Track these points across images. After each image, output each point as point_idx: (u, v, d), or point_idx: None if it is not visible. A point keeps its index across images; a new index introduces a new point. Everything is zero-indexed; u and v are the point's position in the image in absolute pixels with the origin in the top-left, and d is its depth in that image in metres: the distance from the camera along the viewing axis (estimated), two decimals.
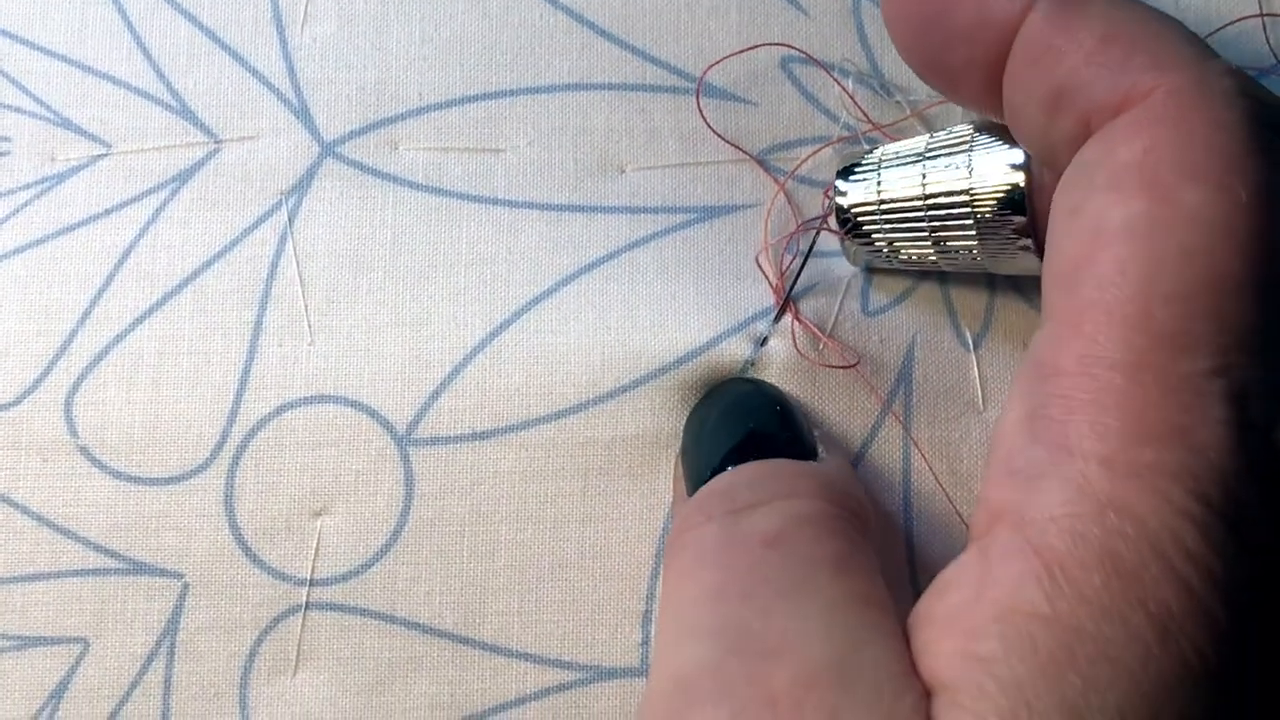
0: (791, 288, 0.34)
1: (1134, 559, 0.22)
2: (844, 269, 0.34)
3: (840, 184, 0.33)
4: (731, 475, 0.30)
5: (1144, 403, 0.23)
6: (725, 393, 0.33)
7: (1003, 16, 0.28)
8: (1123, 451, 0.23)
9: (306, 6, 0.36)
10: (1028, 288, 0.34)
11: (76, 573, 0.33)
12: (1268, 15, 0.35)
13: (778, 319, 0.34)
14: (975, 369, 0.34)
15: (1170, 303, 0.23)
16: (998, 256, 0.31)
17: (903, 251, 0.33)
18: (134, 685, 0.33)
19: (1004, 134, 0.31)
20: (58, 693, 0.33)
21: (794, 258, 0.34)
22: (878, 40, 0.35)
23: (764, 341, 0.33)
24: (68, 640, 0.33)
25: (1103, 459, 0.23)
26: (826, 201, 0.34)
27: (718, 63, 0.35)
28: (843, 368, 0.33)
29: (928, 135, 0.32)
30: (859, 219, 0.33)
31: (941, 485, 0.33)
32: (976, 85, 0.29)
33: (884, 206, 0.32)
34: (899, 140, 0.33)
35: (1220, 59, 0.26)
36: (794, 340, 0.33)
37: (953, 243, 0.32)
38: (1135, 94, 0.26)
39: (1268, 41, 0.35)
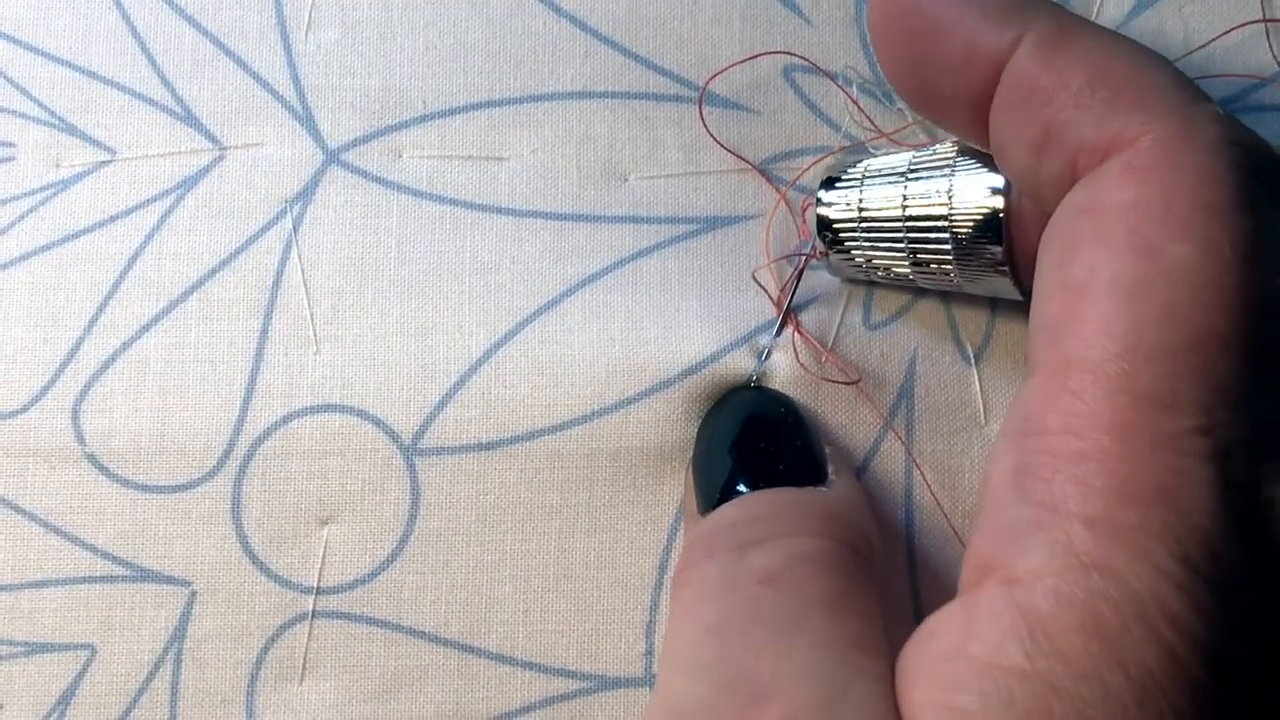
0: (790, 302, 0.34)
1: (1116, 621, 0.23)
2: (847, 283, 0.34)
3: (823, 195, 0.33)
4: (738, 508, 0.30)
5: (1128, 463, 0.23)
6: (739, 403, 0.33)
7: (990, 51, 0.28)
8: (1107, 512, 0.23)
9: (310, 13, 0.36)
10: (1030, 303, 0.34)
11: (84, 579, 0.34)
12: (1270, 21, 0.35)
13: (778, 332, 0.34)
14: (977, 383, 0.34)
15: (1154, 362, 0.24)
16: (974, 279, 0.32)
17: (881, 267, 0.33)
18: (141, 692, 0.33)
19: (986, 157, 0.31)
20: (65, 698, 0.33)
21: (795, 269, 0.34)
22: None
23: (767, 355, 0.34)
24: (75, 647, 0.33)
25: (1087, 520, 0.23)
26: (806, 213, 0.34)
27: (721, 71, 0.35)
28: (845, 383, 0.34)
29: (912, 152, 0.33)
30: (839, 233, 0.33)
31: (940, 504, 0.34)
32: (963, 116, 0.29)
33: (864, 222, 0.32)
34: (885, 154, 0.33)
35: (1209, 102, 0.26)
36: (796, 354, 0.34)
37: (930, 262, 0.32)
38: (1123, 139, 0.26)
39: (1270, 48, 0.35)
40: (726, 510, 0.30)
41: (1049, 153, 0.27)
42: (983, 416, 0.34)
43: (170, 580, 0.34)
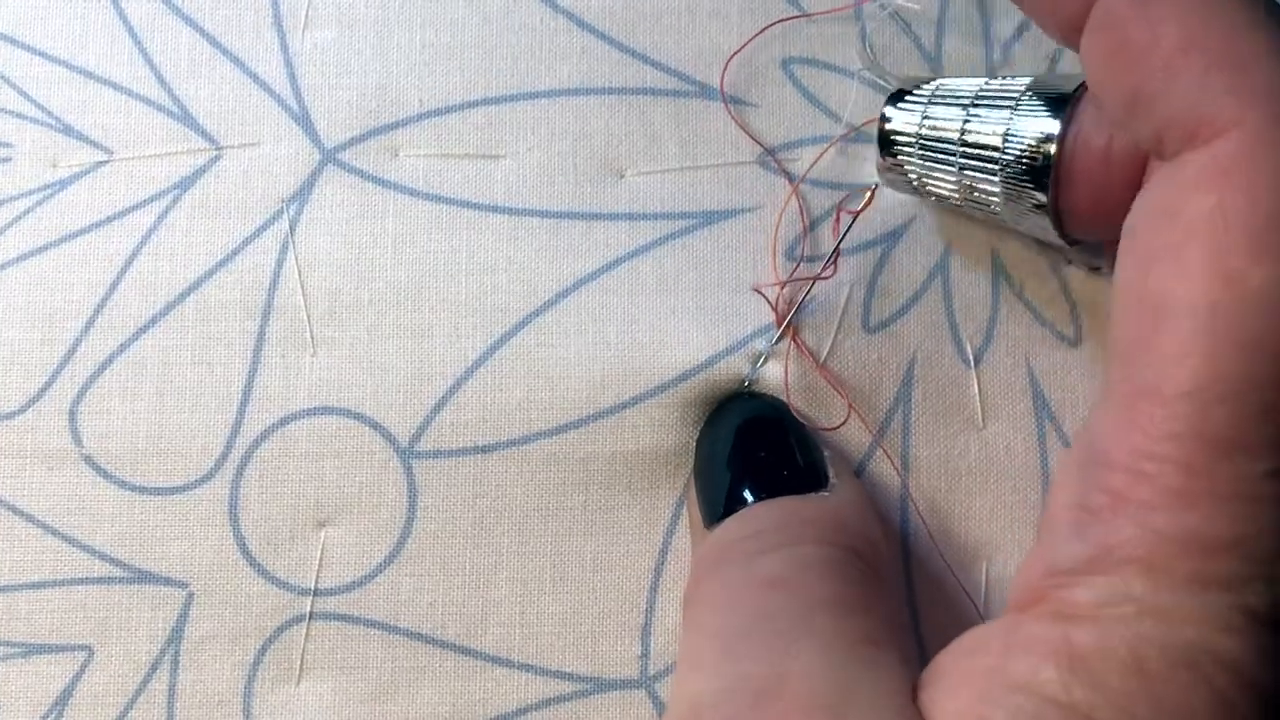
0: (791, 316, 0.34)
1: (1162, 664, 0.22)
2: (846, 284, 0.34)
3: (889, 110, 0.33)
4: (742, 522, 0.30)
5: (1193, 508, 0.23)
6: (737, 413, 0.33)
7: None
8: (1166, 561, 0.23)
9: (307, 12, 0.35)
10: (1032, 299, 0.34)
11: (81, 581, 0.34)
12: None
13: (777, 342, 0.34)
14: (975, 386, 0.34)
15: (1227, 401, 0.23)
16: (1017, 216, 0.31)
17: (930, 186, 0.33)
18: (138, 693, 0.33)
19: (1054, 100, 0.30)
20: (62, 700, 0.33)
21: (795, 266, 0.34)
22: (879, 41, 0.35)
23: (763, 361, 0.34)
24: (72, 648, 0.34)
25: (1146, 565, 0.23)
26: (841, 211, 0.34)
27: (731, 58, 0.35)
28: (829, 429, 0.34)
29: (983, 80, 0.32)
30: (896, 145, 0.33)
31: (925, 523, 0.34)
32: (1057, 33, 0.28)
33: (923, 140, 0.32)
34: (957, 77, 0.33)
35: None
36: (785, 374, 0.34)
37: (977, 192, 0.32)
38: (1212, 124, 0.24)
39: None
40: (731, 525, 0.30)
41: (1138, 115, 0.26)
42: (980, 419, 0.34)
43: (167, 581, 0.34)
